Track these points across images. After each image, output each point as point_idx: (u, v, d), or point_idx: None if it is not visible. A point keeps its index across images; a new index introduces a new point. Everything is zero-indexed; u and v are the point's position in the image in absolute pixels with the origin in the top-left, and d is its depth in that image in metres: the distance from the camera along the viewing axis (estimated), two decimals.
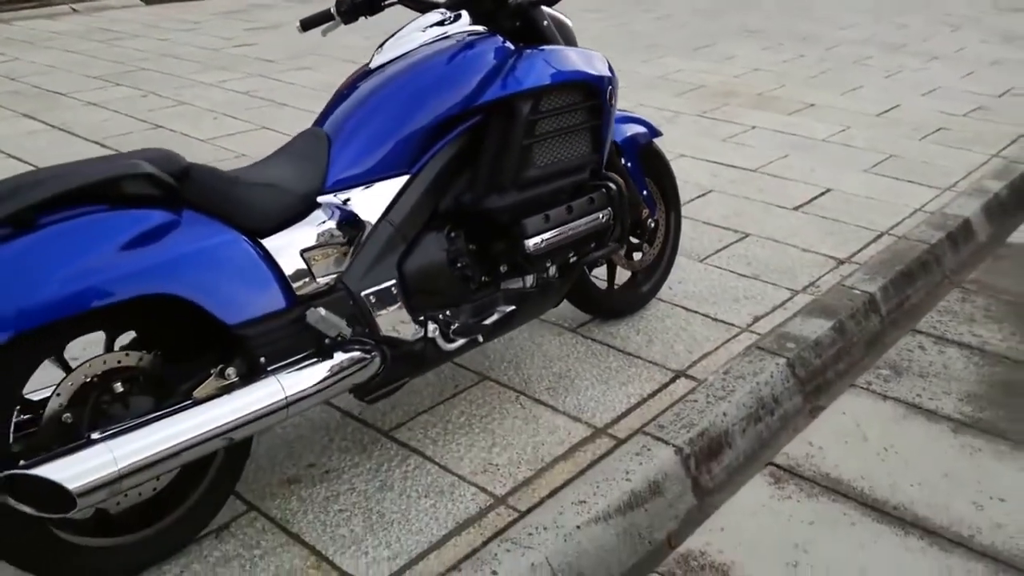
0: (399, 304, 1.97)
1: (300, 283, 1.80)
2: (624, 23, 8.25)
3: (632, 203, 2.59)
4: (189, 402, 1.67)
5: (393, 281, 1.96)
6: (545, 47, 2.19)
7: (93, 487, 1.49)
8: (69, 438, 1.59)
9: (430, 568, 1.79)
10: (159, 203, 1.64)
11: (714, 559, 1.91)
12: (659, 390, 2.44)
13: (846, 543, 1.95)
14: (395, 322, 1.96)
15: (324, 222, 1.86)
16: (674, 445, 2.15)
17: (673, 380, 2.49)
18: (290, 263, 1.79)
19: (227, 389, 1.70)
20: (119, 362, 1.67)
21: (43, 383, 1.71)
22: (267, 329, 1.74)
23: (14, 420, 1.58)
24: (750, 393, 2.39)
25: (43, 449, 1.56)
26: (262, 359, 1.75)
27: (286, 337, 1.78)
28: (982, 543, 1.95)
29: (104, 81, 5.95)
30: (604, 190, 2.35)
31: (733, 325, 2.79)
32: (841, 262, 3.25)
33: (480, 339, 2.17)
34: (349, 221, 1.89)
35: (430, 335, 2.04)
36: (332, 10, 2.33)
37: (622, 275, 2.83)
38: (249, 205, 1.76)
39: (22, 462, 1.50)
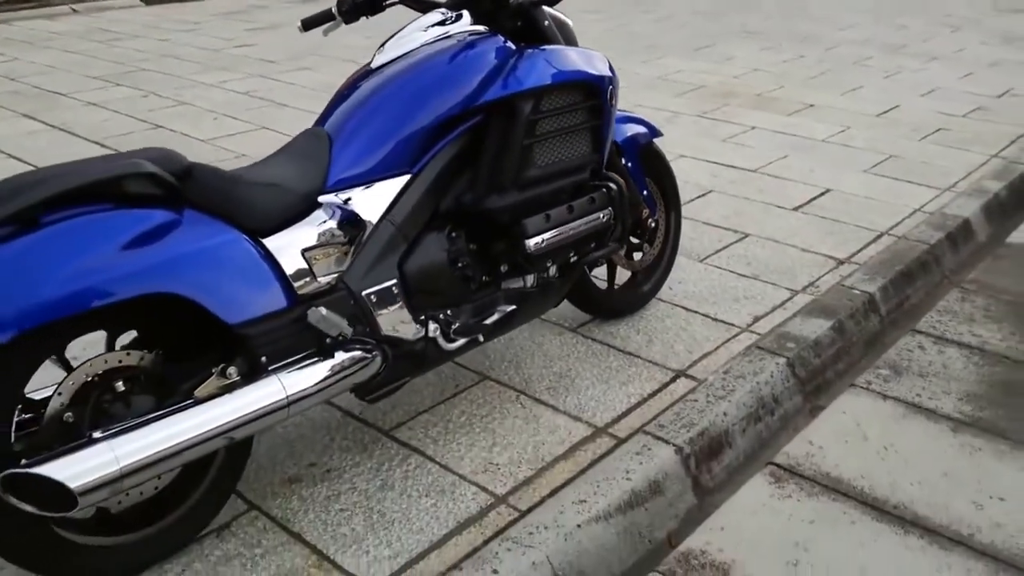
0: (400, 304, 1.97)
1: (301, 282, 1.80)
2: (623, 24, 8.26)
3: (632, 203, 2.59)
4: (190, 401, 1.68)
5: (394, 281, 1.96)
6: (546, 47, 2.20)
7: (94, 486, 1.50)
8: (70, 437, 1.59)
9: (431, 567, 1.80)
10: (161, 202, 1.64)
11: (714, 558, 1.91)
12: (659, 390, 2.44)
13: (846, 542, 1.96)
14: (396, 322, 1.97)
15: (325, 222, 1.86)
16: (674, 444, 2.15)
17: (673, 380, 2.49)
18: (291, 262, 1.79)
19: (228, 388, 1.71)
20: (120, 361, 1.67)
21: (44, 382, 1.71)
22: (268, 328, 1.74)
23: (15, 419, 1.58)
24: (750, 393, 2.39)
25: (44, 448, 1.56)
26: (263, 358, 1.75)
27: (287, 336, 1.78)
28: (982, 542, 1.96)
29: (104, 81, 5.95)
30: (605, 190, 2.36)
31: (733, 325, 2.80)
32: (841, 262, 3.25)
33: (481, 339, 2.17)
34: (350, 221, 1.90)
35: (431, 335, 2.04)
36: (333, 10, 2.34)
37: (622, 275, 2.84)
38: (250, 205, 1.76)
39: (24, 461, 1.51)
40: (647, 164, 2.71)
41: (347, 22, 2.35)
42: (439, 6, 2.27)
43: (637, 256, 2.84)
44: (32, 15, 8.61)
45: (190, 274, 1.63)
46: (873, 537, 1.97)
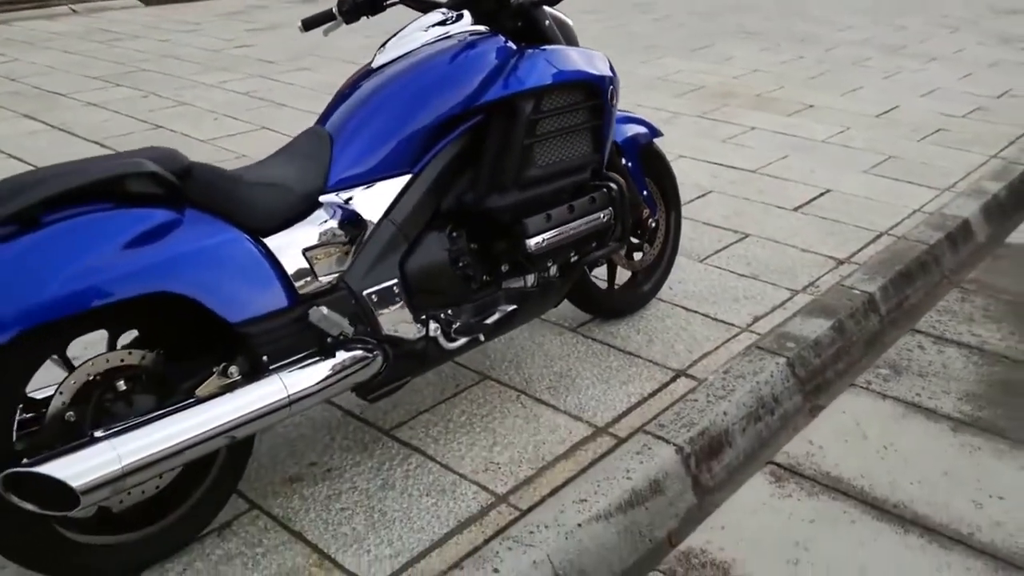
0: (401, 303, 1.98)
1: (302, 282, 1.81)
2: (622, 24, 8.26)
3: (633, 203, 2.60)
4: (192, 400, 1.68)
5: (395, 280, 1.97)
6: (546, 47, 2.20)
7: (96, 485, 1.50)
8: (72, 436, 1.59)
9: (432, 566, 1.80)
10: (162, 202, 1.64)
11: (715, 557, 1.91)
12: (659, 389, 2.44)
13: (846, 541, 1.96)
14: (397, 321, 1.97)
15: (326, 221, 1.86)
16: (675, 444, 2.15)
17: (673, 379, 2.49)
18: (292, 262, 1.79)
19: (229, 387, 1.71)
20: (122, 361, 1.68)
21: (46, 382, 1.71)
22: (269, 328, 1.75)
23: (17, 418, 1.58)
24: (750, 392, 2.39)
25: (46, 447, 1.57)
26: (264, 357, 1.75)
27: (288, 336, 1.79)
28: (981, 541, 1.96)
29: (104, 82, 5.95)
30: (605, 190, 2.36)
31: (733, 325, 2.80)
32: (840, 262, 3.25)
33: (481, 338, 2.18)
34: (351, 220, 1.90)
35: (432, 334, 2.05)
36: (334, 10, 2.34)
37: (622, 275, 2.84)
38: (251, 204, 1.76)
39: (25, 460, 1.51)
40: (647, 164, 2.72)
41: (348, 22, 2.36)
42: (440, 6, 2.27)
43: (637, 256, 2.84)
44: (32, 15, 8.61)
45: (191, 273, 1.63)
46: (873, 536, 1.98)
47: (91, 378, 1.64)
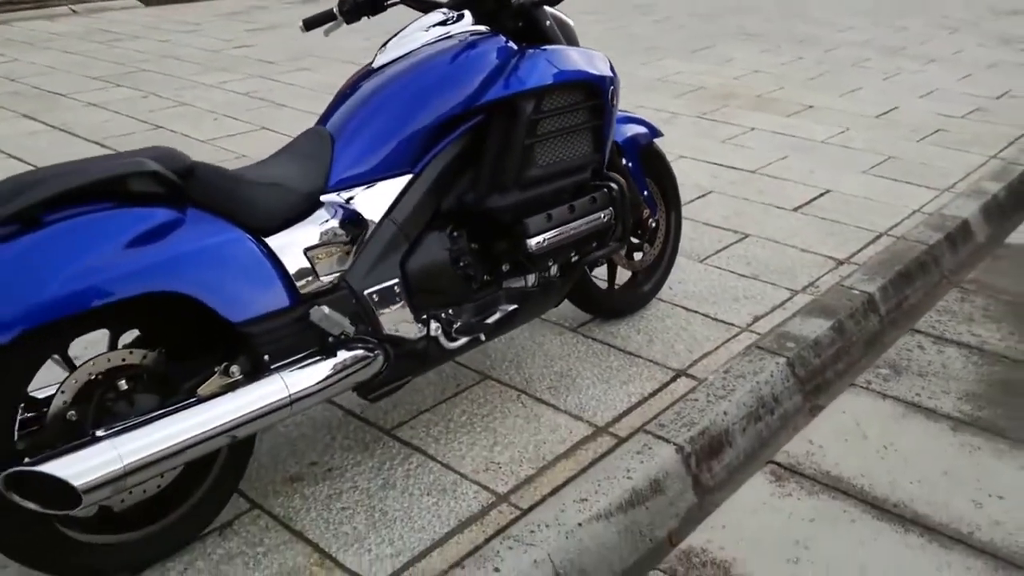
0: (402, 303, 1.98)
1: (304, 281, 1.81)
2: (623, 25, 8.27)
3: (633, 203, 2.60)
4: (193, 400, 1.68)
5: (396, 280, 1.97)
6: (547, 47, 2.20)
7: (98, 484, 1.50)
8: (74, 436, 1.59)
9: (433, 565, 1.80)
10: (164, 201, 1.64)
11: (715, 556, 1.92)
12: (660, 389, 2.44)
13: (846, 540, 1.96)
14: (398, 321, 1.97)
15: (327, 221, 1.86)
16: (675, 443, 2.16)
17: (674, 379, 2.50)
18: (294, 261, 1.80)
19: (231, 387, 1.71)
20: (123, 360, 1.68)
21: (47, 381, 1.71)
22: (271, 327, 1.75)
23: (18, 418, 1.58)
24: (750, 392, 2.40)
25: (48, 447, 1.57)
26: (266, 357, 1.76)
27: (290, 335, 1.79)
28: (981, 540, 1.96)
29: (104, 82, 5.95)
30: (606, 190, 2.36)
31: (733, 325, 2.80)
32: (840, 262, 3.26)
33: (482, 338, 2.18)
34: (352, 220, 1.90)
35: (432, 334, 2.05)
36: (335, 10, 2.34)
37: (623, 275, 2.84)
38: (253, 204, 1.76)
39: (27, 459, 1.51)
40: (648, 164, 2.72)
41: (348, 22, 2.36)
42: (440, 6, 2.27)
43: (637, 256, 2.84)
44: (32, 16, 8.61)
45: (193, 272, 1.64)
46: (873, 535, 1.98)
47: (92, 377, 1.64)
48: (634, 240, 2.78)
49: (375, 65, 2.15)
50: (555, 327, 2.78)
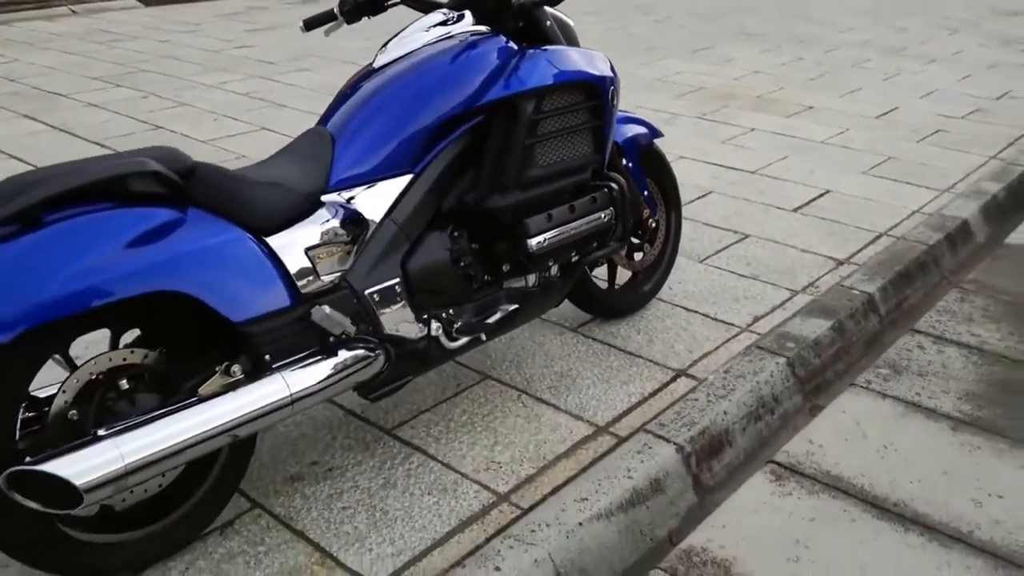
0: (403, 303, 1.98)
1: (305, 281, 1.81)
2: (623, 26, 8.27)
3: (633, 203, 2.60)
4: (194, 399, 1.69)
5: (397, 280, 1.97)
6: (548, 47, 2.21)
7: (99, 483, 1.51)
8: (75, 435, 1.59)
9: (434, 564, 1.80)
10: (165, 201, 1.65)
11: (716, 555, 1.92)
12: (660, 389, 2.45)
13: (846, 539, 1.97)
14: (399, 320, 1.98)
15: (328, 221, 1.87)
16: (675, 443, 2.16)
17: (674, 379, 2.50)
18: (295, 261, 1.80)
19: (232, 386, 1.71)
20: (124, 359, 1.68)
21: (49, 381, 1.72)
22: (272, 326, 1.75)
23: (20, 417, 1.58)
24: (750, 392, 2.40)
25: (49, 446, 1.57)
26: (267, 356, 1.76)
27: (291, 335, 1.79)
28: (981, 539, 1.96)
29: (104, 82, 5.96)
30: (606, 190, 2.37)
31: (733, 325, 2.81)
32: (840, 263, 3.26)
33: (483, 338, 2.18)
34: (353, 220, 1.90)
35: (433, 333, 2.05)
36: (335, 10, 2.35)
37: (623, 275, 2.85)
38: (254, 203, 1.77)
39: (28, 459, 1.51)
40: (648, 165, 2.72)
41: (349, 22, 2.36)
42: (441, 6, 2.28)
43: (638, 256, 2.85)
44: (32, 16, 8.61)
45: (194, 272, 1.64)
46: (873, 534, 1.98)
47: (94, 377, 1.64)
48: (634, 240, 2.79)
49: (376, 65, 2.16)
50: (555, 327, 2.78)
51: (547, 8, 2.30)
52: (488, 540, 1.86)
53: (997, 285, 3.24)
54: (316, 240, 1.84)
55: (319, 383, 1.79)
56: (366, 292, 1.92)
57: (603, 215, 2.35)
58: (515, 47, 2.18)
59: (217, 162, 4.11)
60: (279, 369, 1.76)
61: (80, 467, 1.49)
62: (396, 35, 2.21)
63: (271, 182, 1.82)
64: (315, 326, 1.82)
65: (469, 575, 1.74)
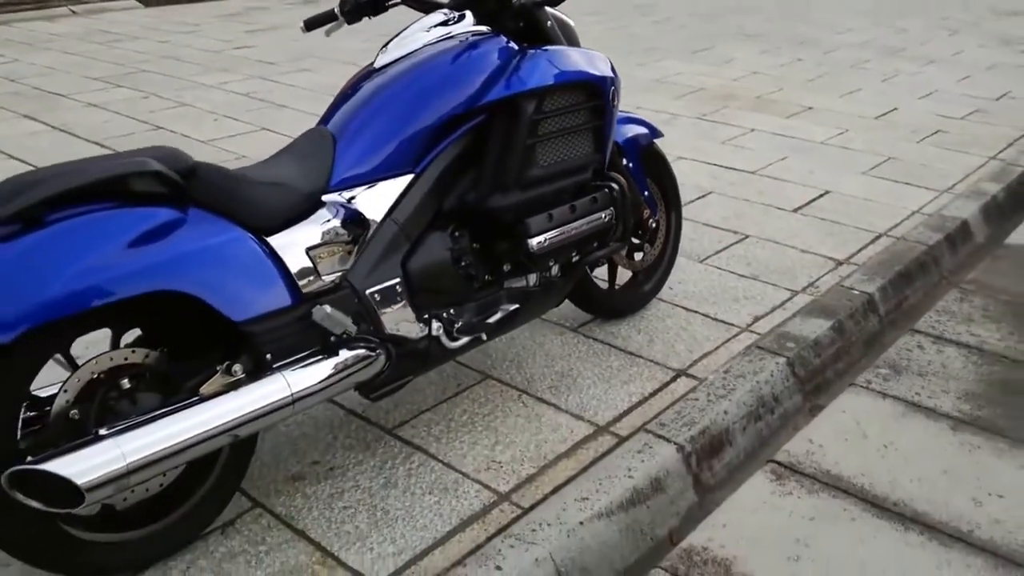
0: (403, 302, 1.98)
1: (306, 281, 1.81)
2: (623, 26, 8.28)
3: (634, 203, 2.61)
4: (195, 399, 1.69)
5: (397, 279, 1.98)
6: (548, 47, 2.21)
7: (101, 482, 1.51)
8: (76, 434, 1.60)
9: (435, 564, 1.81)
10: (166, 201, 1.65)
11: (716, 554, 1.92)
12: (660, 389, 2.45)
13: (846, 538, 1.97)
14: (399, 320, 1.98)
15: (329, 220, 1.87)
16: (675, 443, 2.16)
17: (674, 379, 2.50)
18: (296, 261, 1.80)
19: (233, 386, 1.72)
20: (125, 359, 1.68)
21: (50, 380, 1.72)
22: (273, 326, 1.75)
23: (21, 417, 1.59)
24: (750, 392, 2.40)
25: (50, 445, 1.57)
26: (268, 356, 1.76)
27: (292, 334, 1.79)
28: (981, 538, 1.97)
29: (104, 83, 5.96)
30: (607, 190, 2.37)
31: (733, 325, 2.81)
32: (840, 263, 3.26)
33: (483, 337, 2.18)
34: (354, 220, 1.91)
35: (434, 333, 2.05)
36: (336, 10, 2.35)
37: (623, 275, 2.85)
38: (255, 203, 1.77)
39: (30, 458, 1.51)
40: (648, 165, 2.73)
41: (349, 22, 2.37)
42: (442, 6, 2.28)
43: (638, 256, 2.85)
44: (32, 16, 8.62)
45: (195, 272, 1.64)
46: (873, 533, 1.98)
47: (95, 376, 1.65)
48: (635, 240, 2.79)
49: (377, 65, 2.16)
50: (556, 327, 2.78)
51: (548, 8, 2.31)
52: (489, 539, 1.86)
53: (997, 285, 3.24)
54: (317, 240, 1.84)
55: (320, 383, 1.79)
56: (367, 292, 1.92)
57: (604, 215, 2.35)
58: (516, 47, 2.18)
59: (217, 162, 4.12)
60: (280, 369, 1.76)
61: (81, 466, 1.49)
62: (397, 35, 2.21)
63: (272, 182, 1.83)
64: (316, 326, 1.82)
65: (470, 574, 1.74)
